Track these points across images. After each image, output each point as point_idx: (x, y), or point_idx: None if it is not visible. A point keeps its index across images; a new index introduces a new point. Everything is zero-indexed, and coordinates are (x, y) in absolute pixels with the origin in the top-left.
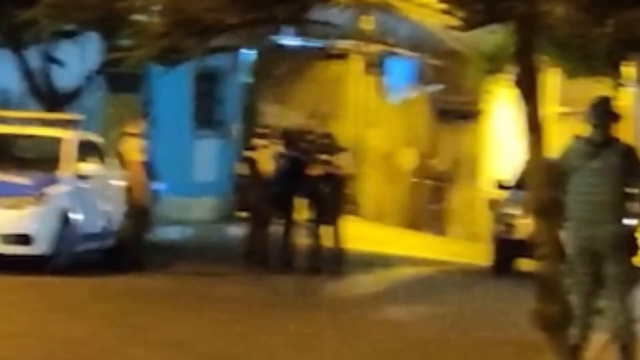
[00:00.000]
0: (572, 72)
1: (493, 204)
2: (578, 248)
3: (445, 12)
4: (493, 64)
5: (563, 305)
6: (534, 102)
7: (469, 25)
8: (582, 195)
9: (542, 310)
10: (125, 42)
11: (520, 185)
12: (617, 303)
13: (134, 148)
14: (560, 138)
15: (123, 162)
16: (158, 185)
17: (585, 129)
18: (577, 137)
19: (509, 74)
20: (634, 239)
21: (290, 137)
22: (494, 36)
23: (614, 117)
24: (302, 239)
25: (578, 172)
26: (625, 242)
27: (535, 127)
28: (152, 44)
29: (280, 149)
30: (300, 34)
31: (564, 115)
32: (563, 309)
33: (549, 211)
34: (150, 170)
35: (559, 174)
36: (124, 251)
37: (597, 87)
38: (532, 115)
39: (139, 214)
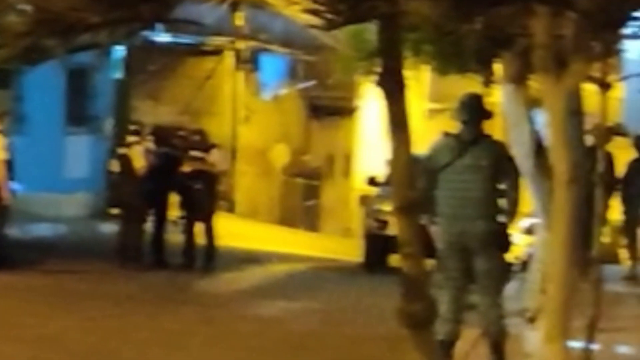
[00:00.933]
0: (442, 69)
1: (364, 200)
2: (448, 244)
3: (308, 11)
4: (363, 59)
5: (427, 303)
6: (398, 101)
7: (332, 24)
8: (452, 192)
9: (407, 308)
10: None
11: (390, 181)
12: (488, 299)
13: None
14: (430, 134)
15: None
16: (16, 185)
17: (455, 126)
18: (447, 134)
19: (376, 72)
20: (506, 235)
21: (162, 134)
22: (364, 31)
23: (484, 114)
24: (175, 236)
25: (448, 169)
26: (496, 238)
27: (399, 126)
28: (14, 43)
29: (152, 145)
30: (172, 30)
31: (434, 111)
32: (427, 307)
33: (412, 209)
34: (11, 168)
35: (428, 170)
36: None
37: (467, 84)
38: (396, 114)
39: (2, 212)
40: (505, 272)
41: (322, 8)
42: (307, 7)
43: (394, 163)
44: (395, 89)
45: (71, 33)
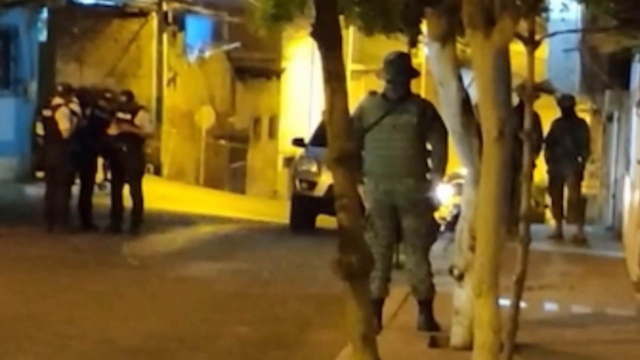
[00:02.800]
0: (367, 29)
1: (289, 161)
2: (376, 202)
3: None
4: (279, 8)
5: (363, 254)
6: (334, 50)
7: None
8: (379, 150)
9: (343, 259)
10: None
11: (316, 141)
12: (415, 257)
13: None
14: (354, 96)
15: None
16: None
17: (381, 86)
18: (372, 93)
19: (302, 27)
20: (434, 194)
21: (87, 96)
22: None
23: (411, 72)
24: (101, 198)
25: (375, 128)
26: (423, 196)
27: (335, 76)
28: None
29: (77, 107)
30: None
31: (358, 73)
32: (363, 258)
33: (349, 160)
34: None
35: (355, 130)
36: None
37: (392, 45)
38: (332, 64)
39: None
40: (433, 230)
41: None
42: None
43: (329, 114)
44: (330, 39)
45: None
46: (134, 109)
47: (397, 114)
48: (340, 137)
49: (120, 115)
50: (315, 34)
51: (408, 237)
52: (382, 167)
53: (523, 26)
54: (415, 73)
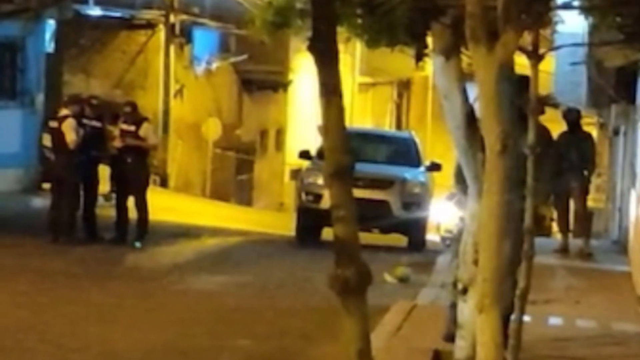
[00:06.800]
0: (373, 42)
1: (295, 174)
2: None
3: None
4: (279, 17)
5: (359, 269)
6: (331, 64)
7: None
8: None
9: (339, 274)
10: None
11: (322, 154)
12: None
13: None
14: (362, 108)
15: None
16: None
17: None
18: None
19: (304, 38)
20: None
21: (93, 107)
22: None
23: None
24: (106, 210)
25: None
26: None
27: (331, 90)
28: None
29: (83, 119)
30: (103, 3)
31: (365, 85)
32: (359, 273)
33: (345, 174)
34: None
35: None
36: None
37: (398, 58)
38: (329, 78)
39: None
40: None
41: None
42: None
43: (326, 128)
44: (327, 53)
45: None
46: (138, 120)
47: None
48: (337, 151)
49: (124, 127)
50: (311, 48)
51: None
52: None
53: (528, 39)
54: None
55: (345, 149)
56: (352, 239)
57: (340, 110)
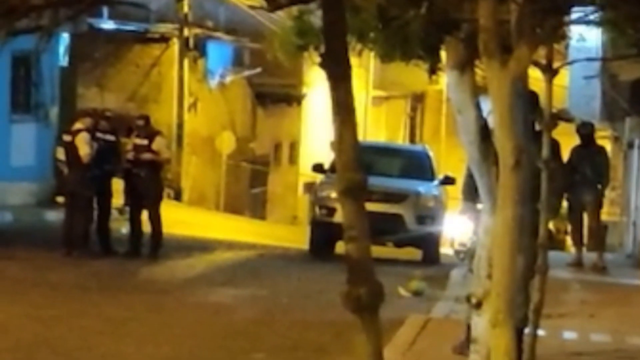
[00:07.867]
0: (387, 56)
1: (309, 187)
2: None
3: None
4: (303, 39)
5: (372, 287)
6: (343, 81)
7: (274, 5)
8: None
9: (352, 292)
10: None
11: (334, 168)
12: None
13: None
14: (376, 121)
15: None
16: None
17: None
18: None
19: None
20: None
21: (107, 121)
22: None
23: None
24: (120, 224)
25: None
26: None
27: (344, 107)
28: None
29: (97, 132)
30: (117, 17)
31: (378, 99)
32: (372, 291)
33: (358, 192)
34: None
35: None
36: None
37: (412, 72)
38: (341, 95)
39: None
40: None
41: None
42: None
43: (338, 145)
44: (339, 69)
45: (14, 15)
46: (151, 134)
47: None
48: (349, 168)
49: (137, 140)
50: (324, 65)
51: None
52: None
53: (542, 54)
54: None
55: (358, 166)
56: (364, 258)
57: (353, 127)
